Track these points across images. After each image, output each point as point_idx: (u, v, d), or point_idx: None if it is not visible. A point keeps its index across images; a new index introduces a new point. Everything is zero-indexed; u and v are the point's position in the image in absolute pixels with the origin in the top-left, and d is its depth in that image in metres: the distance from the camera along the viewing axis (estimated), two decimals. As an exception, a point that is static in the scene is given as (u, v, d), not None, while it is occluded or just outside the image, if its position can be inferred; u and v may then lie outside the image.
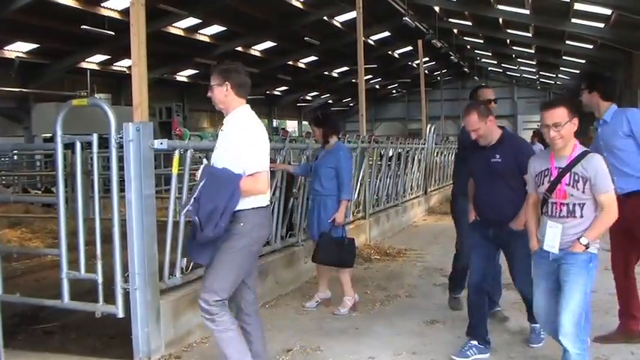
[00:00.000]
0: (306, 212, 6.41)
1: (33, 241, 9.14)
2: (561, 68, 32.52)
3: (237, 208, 3.40)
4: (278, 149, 6.37)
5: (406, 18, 20.75)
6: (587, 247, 3.42)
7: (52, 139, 4.26)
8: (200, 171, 3.45)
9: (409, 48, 31.45)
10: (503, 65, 38.06)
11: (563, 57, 28.11)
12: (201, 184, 3.38)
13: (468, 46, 33.33)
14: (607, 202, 3.44)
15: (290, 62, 31.01)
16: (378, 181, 9.89)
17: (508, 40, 27.38)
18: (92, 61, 24.61)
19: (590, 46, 23.52)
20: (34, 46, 22.07)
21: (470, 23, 25.66)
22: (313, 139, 6.37)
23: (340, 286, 5.66)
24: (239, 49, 26.39)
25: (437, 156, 14.54)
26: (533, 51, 28.63)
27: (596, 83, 4.41)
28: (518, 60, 33.65)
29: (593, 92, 4.36)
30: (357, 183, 8.71)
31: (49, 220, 9.85)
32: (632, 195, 4.21)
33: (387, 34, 29.15)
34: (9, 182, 14.89)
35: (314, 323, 5.21)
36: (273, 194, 6.22)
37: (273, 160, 6.22)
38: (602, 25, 19.53)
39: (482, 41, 30.24)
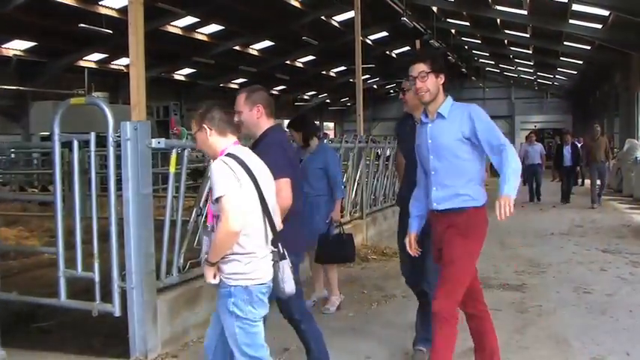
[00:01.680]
0: None
1: (30, 239, 9.13)
2: (559, 69, 32.52)
3: None
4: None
5: (404, 18, 20.76)
6: (217, 271, 2.91)
7: (49, 138, 4.27)
8: None
9: (407, 48, 31.46)
10: (500, 66, 38.03)
11: (561, 58, 28.10)
12: None
13: (466, 47, 33.31)
14: (221, 212, 2.81)
15: (288, 62, 30.98)
16: (375, 180, 9.89)
17: (506, 41, 27.36)
18: (90, 60, 24.58)
19: (588, 47, 23.53)
20: (32, 44, 22.03)
21: (468, 24, 25.63)
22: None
23: (328, 286, 5.73)
24: (237, 48, 26.37)
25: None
26: (530, 52, 28.60)
27: (444, 67, 3.48)
28: (516, 60, 33.60)
29: (440, 76, 3.42)
30: (354, 183, 8.72)
31: (46, 218, 9.84)
32: (449, 211, 3.42)
33: (385, 34, 29.15)
34: (6, 180, 14.89)
35: (311, 322, 5.21)
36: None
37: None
38: (599, 26, 19.54)
39: (479, 42, 30.21)
